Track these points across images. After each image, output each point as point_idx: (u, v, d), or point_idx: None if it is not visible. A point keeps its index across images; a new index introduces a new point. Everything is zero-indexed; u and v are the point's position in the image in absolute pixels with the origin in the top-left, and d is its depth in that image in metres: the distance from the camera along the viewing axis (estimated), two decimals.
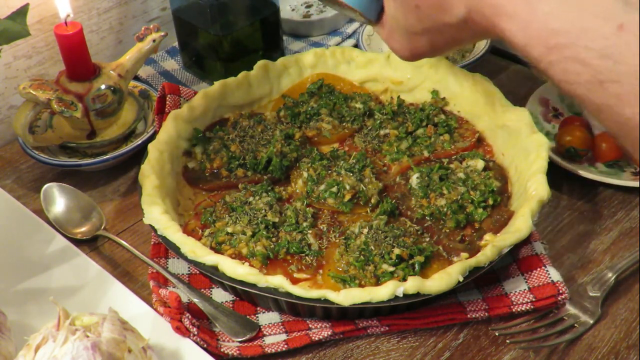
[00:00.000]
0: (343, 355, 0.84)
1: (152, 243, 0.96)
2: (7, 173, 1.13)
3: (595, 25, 0.55)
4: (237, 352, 0.82)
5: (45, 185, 1.02)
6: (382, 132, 1.07)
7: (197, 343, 0.81)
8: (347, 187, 0.96)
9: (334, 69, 1.16)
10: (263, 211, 0.93)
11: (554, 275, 0.87)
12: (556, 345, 0.83)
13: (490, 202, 0.93)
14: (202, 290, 0.90)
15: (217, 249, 0.89)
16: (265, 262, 0.88)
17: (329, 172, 0.99)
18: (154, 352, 0.76)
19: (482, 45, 1.25)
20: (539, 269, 0.88)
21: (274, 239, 0.90)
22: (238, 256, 0.88)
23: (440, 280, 0.80)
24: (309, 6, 1.37)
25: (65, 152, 1.10)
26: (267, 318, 0.87)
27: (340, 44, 1.34)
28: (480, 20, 0.65)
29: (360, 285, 0.83)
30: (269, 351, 0.82)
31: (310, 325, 0.86)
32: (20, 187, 1.10)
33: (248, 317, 0.87)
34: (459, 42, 0.73)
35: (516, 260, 0.90)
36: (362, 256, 0.86)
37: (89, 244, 0.99)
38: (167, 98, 1.07)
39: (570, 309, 0.86)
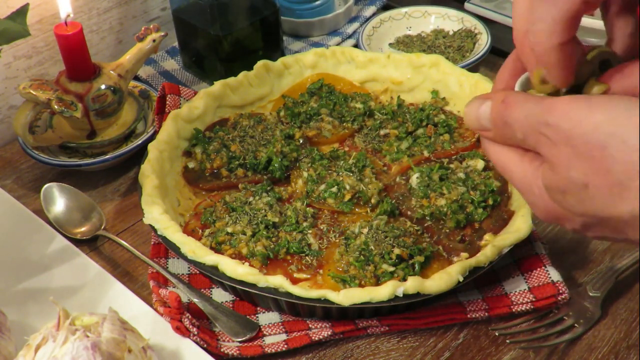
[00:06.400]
0: (343, 355, 0.84)
1: (152, 243, 0.96)
2: (7, 173, 1.13)
3: None
4: (237, 352, 0.82)
5: (45, 185, 1.02)
6: (382, 132, 1.07)
7: (197, 343, 0.81)
8: (347, 187, 0.96)
9: (334, 69, 1.16)
10: (263, 211, 0.93)
11: (554, 275, 0.87)
12: (556, 345, 0.83)
13: (490, 202, 0.93)
14: (202, 290, 0.90)
15: (217, 249, 0.89)
16: (265, 262, 0.88)
17: (329, 172, 0.99)
18: (154, 352, 0.76)
19: (482, 45, 1.25)
20: (539, 269, 0.88)
21: (274, 239, 0.90)
22: (238, 256, 0.88)
23: (440, 280, 0.80)
24: None
25: (65, 152, 1.10)
26: (267, 318, 0.87)
27: (340, 44, 1.34)
28: None
29: (360, 285, 0.83)
30: (269, 351, 0.82)
31: (310, 325, 0.86)
32: (20, 187, 1.10)
33: (248, 317, 0.87)
34: (622, 238, 0.55)
35: (516, 260, 0.90)
36: (362, 256, 0.86)
37: (89, 244, 0.99)
38: (167, 98, 1.07)
39: (570, 309, 0.86)
